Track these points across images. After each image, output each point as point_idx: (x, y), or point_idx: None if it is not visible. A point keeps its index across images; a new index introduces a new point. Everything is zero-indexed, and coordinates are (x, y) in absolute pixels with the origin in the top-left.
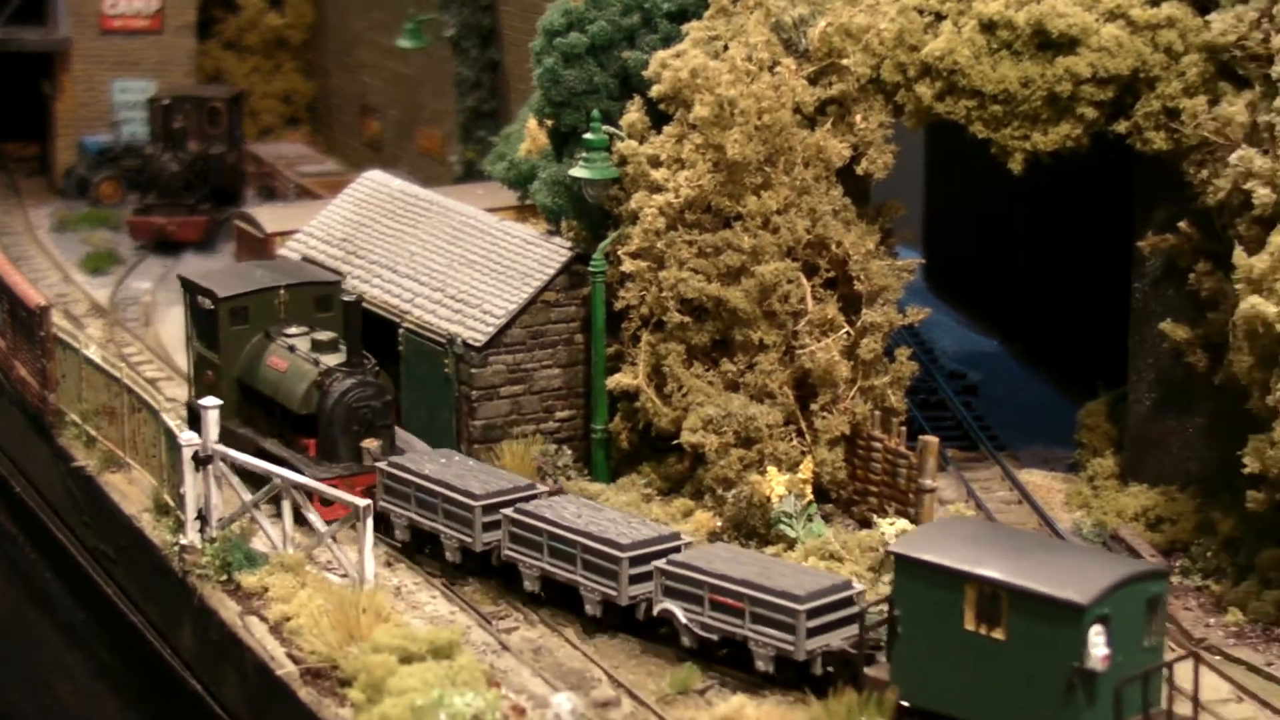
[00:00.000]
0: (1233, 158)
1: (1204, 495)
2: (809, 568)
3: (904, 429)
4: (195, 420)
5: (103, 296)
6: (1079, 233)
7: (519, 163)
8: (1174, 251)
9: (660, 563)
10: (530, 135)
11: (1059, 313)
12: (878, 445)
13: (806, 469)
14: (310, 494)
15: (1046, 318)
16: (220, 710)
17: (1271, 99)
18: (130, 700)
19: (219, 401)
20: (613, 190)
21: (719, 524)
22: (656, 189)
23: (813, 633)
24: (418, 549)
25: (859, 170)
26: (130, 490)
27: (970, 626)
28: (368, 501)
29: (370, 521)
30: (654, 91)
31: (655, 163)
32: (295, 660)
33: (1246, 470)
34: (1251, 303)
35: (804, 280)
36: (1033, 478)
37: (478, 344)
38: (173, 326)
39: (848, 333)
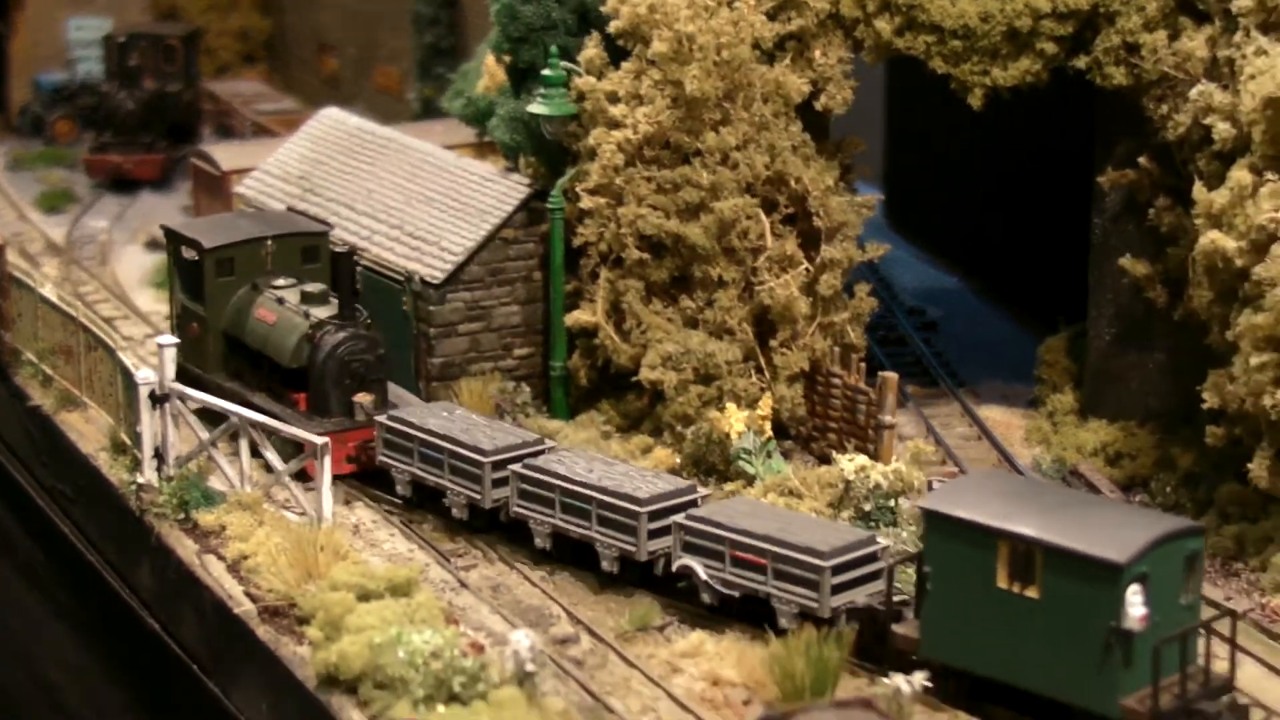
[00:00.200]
0: (1193, 93)
1: (1163, 430)
2: (829, 522)
3: (863, 365)
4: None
5: (59, 235)
6: (1039, 168)
7: (477, 99)
8: (1134, 187)
9: (679, 517)
10: (488, 72)
11: (1019, 248)
12: (837, 381)
13: (766, 405)
14: (268, 432)
15: (1006, 253)
16: (178, 649)
17: (1231, 34)
18: (88, 639)
19: (175, 340)
20: (571, 127)
21: (678, 461)
22: (615, 125)
23: (837, 589)
24: (419, 505)
25: (818, 106)
26: (87, 429)
27: (1003, 585)
28: (326, 439)
29: (328, 460)
30: (612, 27)
31: (613, 99)
32: (253, 598)
33: (1206, 405)
34: (1211, 237)
35: (763, 216)
36: (992, 414)
37: (436, 281)
38: (129, 265)
39: (807, 269)
